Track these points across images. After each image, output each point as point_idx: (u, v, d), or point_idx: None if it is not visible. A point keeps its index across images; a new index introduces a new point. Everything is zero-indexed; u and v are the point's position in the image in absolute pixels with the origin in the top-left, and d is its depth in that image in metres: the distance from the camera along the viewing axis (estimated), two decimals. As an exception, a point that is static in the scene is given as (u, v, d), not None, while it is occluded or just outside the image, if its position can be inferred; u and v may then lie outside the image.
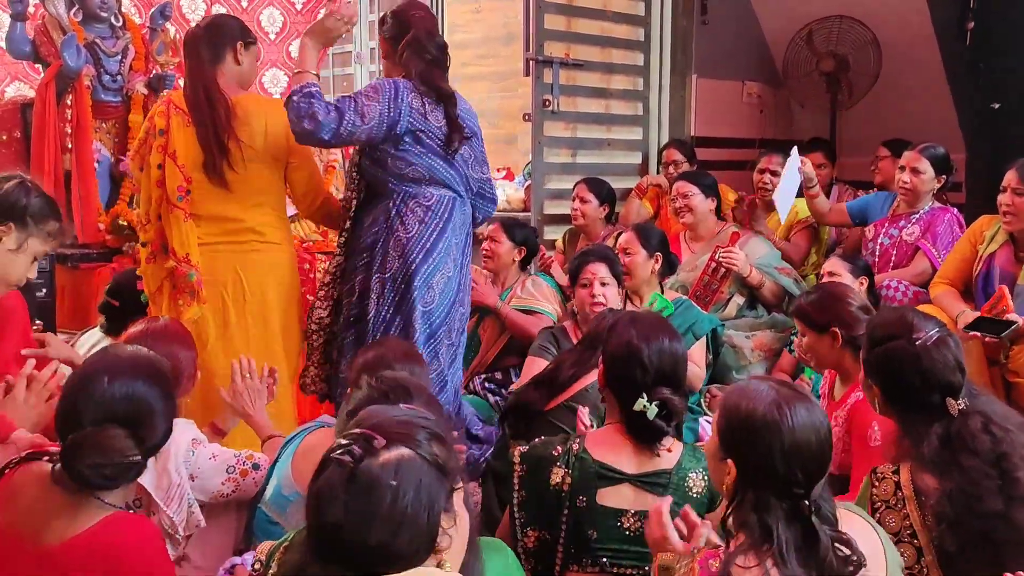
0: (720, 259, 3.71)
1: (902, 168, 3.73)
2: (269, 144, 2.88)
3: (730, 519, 1.57)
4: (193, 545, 2.22)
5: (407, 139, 2.78)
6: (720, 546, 1.57)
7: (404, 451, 1.29)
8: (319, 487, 1.28)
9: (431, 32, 2.89)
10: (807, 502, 1.51)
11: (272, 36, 5.33)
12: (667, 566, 1.59)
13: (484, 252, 3.84)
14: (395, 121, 2.74)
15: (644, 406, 2.01)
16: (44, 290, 3.67)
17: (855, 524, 1.65)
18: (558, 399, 2.68)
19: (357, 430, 1.32)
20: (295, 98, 2.66)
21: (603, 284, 3.25)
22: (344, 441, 1.30)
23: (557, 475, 2.05)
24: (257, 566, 1.67)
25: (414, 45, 2.83)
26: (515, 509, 2.13)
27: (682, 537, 1.68)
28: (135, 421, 1.74)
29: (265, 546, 1.70)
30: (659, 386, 2.05)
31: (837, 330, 2.55)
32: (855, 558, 1.51)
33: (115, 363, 1.81)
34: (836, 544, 1.51)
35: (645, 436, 2.05)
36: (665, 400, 2.03)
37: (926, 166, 3.66)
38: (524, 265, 3.94)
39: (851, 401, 2.53)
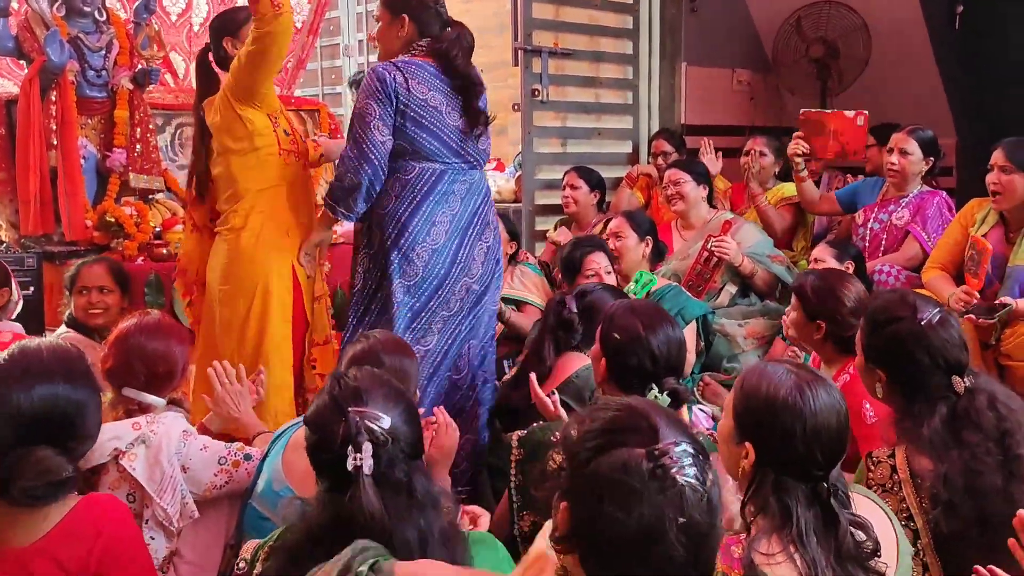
0: (712, 248, 3.70)
1: (890, 150, 3.74)
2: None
3: (749, 505, 1.56)
4: (184, 541, 2.21)
5: (397, 117, 2.79)
6: (741, 533, 1.55)
7: None
8: None
9: (461, 26, 2.91)
10: (826, 484, 1.51)
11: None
12: None
13: None
14: (397, 108, 2.77)
15: (656, 397, 2.01)
16: (32, 288, 3.64)
17: (869, 508, 1.65)
18: (545, 389, 2.59)
19: None
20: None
21: (607, 273, 3.29)
22: None
23: (555, 461, 2.04)
24: (242, 565, 1.66)
25: (457, 41, 2.85)
26: (512, 492, 2.13)
27: None
28: (62, 432, 1.67)
29: (250, 545, 1.69)
30: (667, 375, 2.07)
31: (823, 324, 2.56)
32: (870, 543, 1.51)
33: (25, 369, 1.69)
34: (852, 528, 1.51)
35: None
36: (674, 390, 2.05)
37: (914, 147, 3.67)
38: (512, 259, 3.95)
39: (839, 383, 2.52)
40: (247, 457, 2.24)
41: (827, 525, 1.49)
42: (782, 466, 1.53)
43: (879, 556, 1.51)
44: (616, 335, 2.12)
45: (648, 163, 5.03)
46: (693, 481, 1.13)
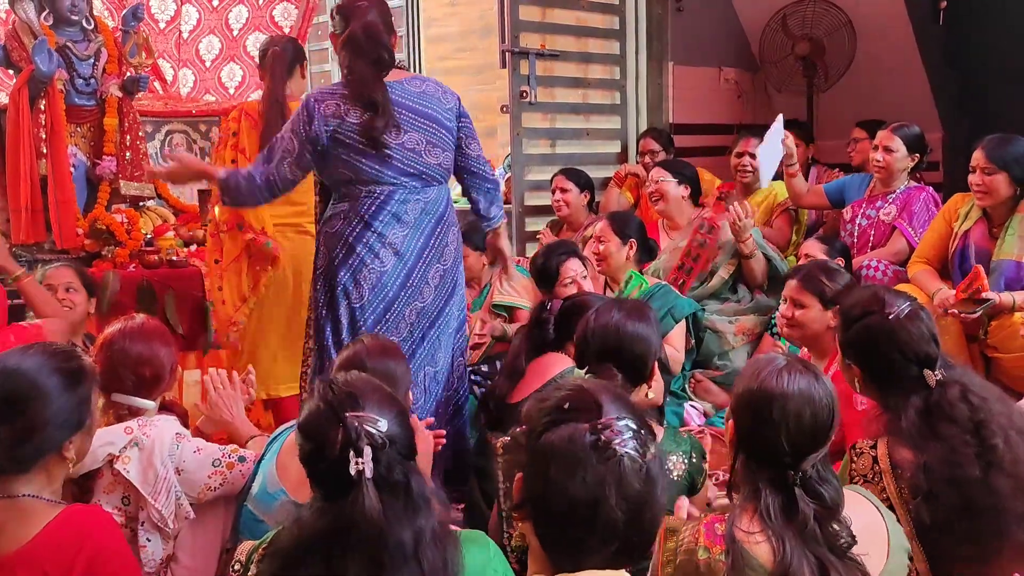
0: (733, 209, 3.65)
1: (875, 147, 3.77)
2: None
3: (733, 483, 1.64)
4: (182, 545, 2.22)
5: (330, 146, 2.73)
6: (726, 512, 1.60)
7: None
8: None
9: (368, 27, 2.73)
10: (792, 472, 1.54)
11: (236, 32, 5.37)
12: (673, 528, 1.61)
13: None
14: (315, 138, 2.72)
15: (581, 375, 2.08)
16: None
17: (861, 504, 1.67)
18: (526, 390, 2.59)
19: None
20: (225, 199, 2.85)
21: (584, 278, 3.30)
22: None
23: (517, 438, 2.07)
24: (237, 567, 1.66)
25: (350, 44, 2.74)
26: (501, 499, 2.13)
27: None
28: (7, 407, 1.66)
29: (245, 547, 1.70)
30: (603, 360, 2.13)
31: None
32: (844, 537, 1.52)
33: (16, 353, 1.74)
34: (827, 522, 1.52)
35: None
36: (603, 375, 2.09)
37: (898, 144, 3.70)
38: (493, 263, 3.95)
39: (830, 374, 2.56)
40: (241, 459, 2.25)
41: (789, 512, 1.53)
42: (753, 449, 1.59)
43: (852, 548, 1.53)
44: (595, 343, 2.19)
45: (636, 162, 5.05)
46: (632, 452, 1.27)
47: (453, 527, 1.61)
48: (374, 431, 1.47)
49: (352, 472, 1.44)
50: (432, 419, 2.60)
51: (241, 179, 2.77)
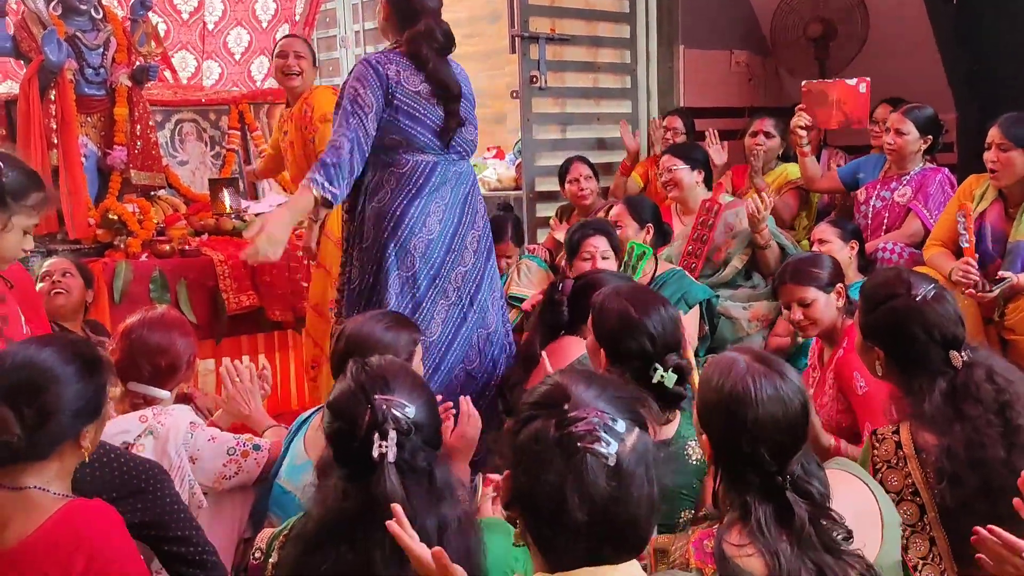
0: (750, 205, 3.60)
1: (887, 130, 3.73)
2: None
3: (718, 496, 1.57)
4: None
5: (388, 109, 2.78)
6: (714, 525, 1.55)
7: None
8: None
9: (439, 20, 2.86)
10: (780, 477, 1.48)
11: (264, 25, 5.34)
12: (663, 549, 1.58)
13: None
14: (386, 93, 2.76)
15: (662, 376, 2.01)
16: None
17: (850, 485, 1.64)
18: (543, 374, 2.61)
19: None
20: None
21: (604, 259, 3.26)
22: None
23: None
24: (257, 555, 1.67)
25: (424, 35, 2.81)
26: None
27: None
28: (21, 395, 1.65)
29: (264, 534, 1.70)
30: (667, 353, 2.04)
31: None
32: (841, 531, 1.49)
33: (34, 341, 1.76)
34: (821, 520, 1.48)
35: (663, 406, 2.05)
36: (678, 365, 2.03)
37: (909, 127, 3.66)
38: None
39: (836, 358, 2.59)
40: (256, 447, 2.26)
41: (784, 518, 1.46)
42: (733, 459, 1.52)
43: (850, 542, 1.49)
44: (609, 322, 2.10)
45: (649, 143, 5.04)
46: (600, 450, 1.18)
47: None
48: (400, 416, 1.48)
49: (375, 454, 1.45)
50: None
51: (330, 169, 2.66)
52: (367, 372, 1.54)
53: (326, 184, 2.64)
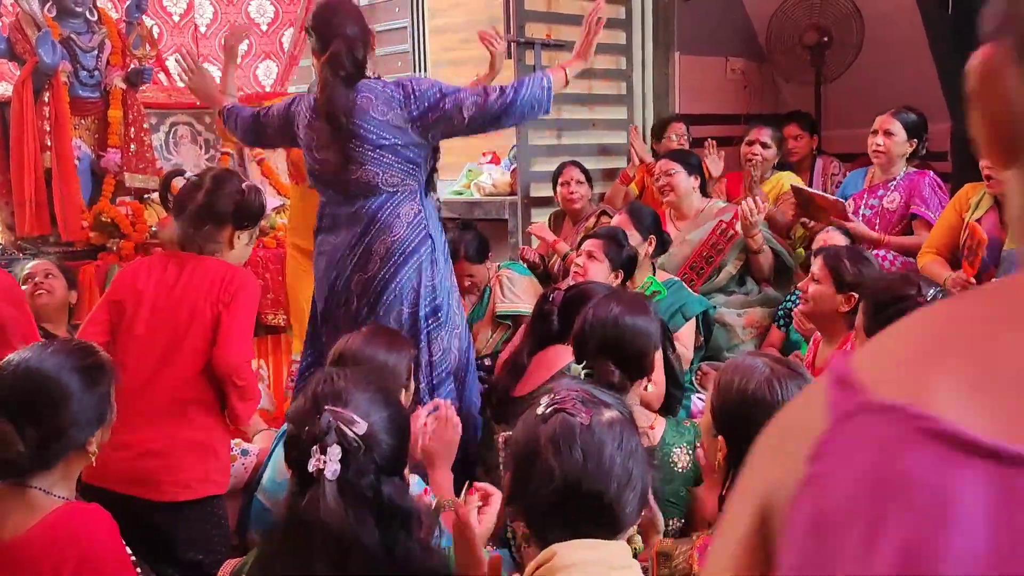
0: (745, 206, 3.61)
1: (875, 132, 3.73)
2: None
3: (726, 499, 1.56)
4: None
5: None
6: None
7: None
8: None
9: (351, 43, 2.73)
10: None
11: (264, 27, 5.32)
12: (666, 552, 1.57)
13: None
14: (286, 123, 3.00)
15: (578, 371, 2.03)
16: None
17: None
18: (530, 384, 2.52)
19: None
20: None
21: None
22: None
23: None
24: None
25: (330, 61, 2.71)
26: (504, 493, 2.12)
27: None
28: (25, 410, 1.64)
29: (228, 566, 1.69)
30: (602, 355, 2.06)
31: (854, 296, 2.58)
32: None
33: (36, 351, 1.74)
34: None
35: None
36: (600, 369, 2.04)
37: (898, 128, 3.67)
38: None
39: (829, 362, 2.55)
40: (244, 452, 2.25)
41: None
42: None
43: None
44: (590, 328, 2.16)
45: (650, 148, 5.03)
46: (576, 412, 1.31)
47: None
48: (348, 431, 1.38)
49: (310, 468, 1.37)
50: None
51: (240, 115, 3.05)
52: (326, 383, 1.47)
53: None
